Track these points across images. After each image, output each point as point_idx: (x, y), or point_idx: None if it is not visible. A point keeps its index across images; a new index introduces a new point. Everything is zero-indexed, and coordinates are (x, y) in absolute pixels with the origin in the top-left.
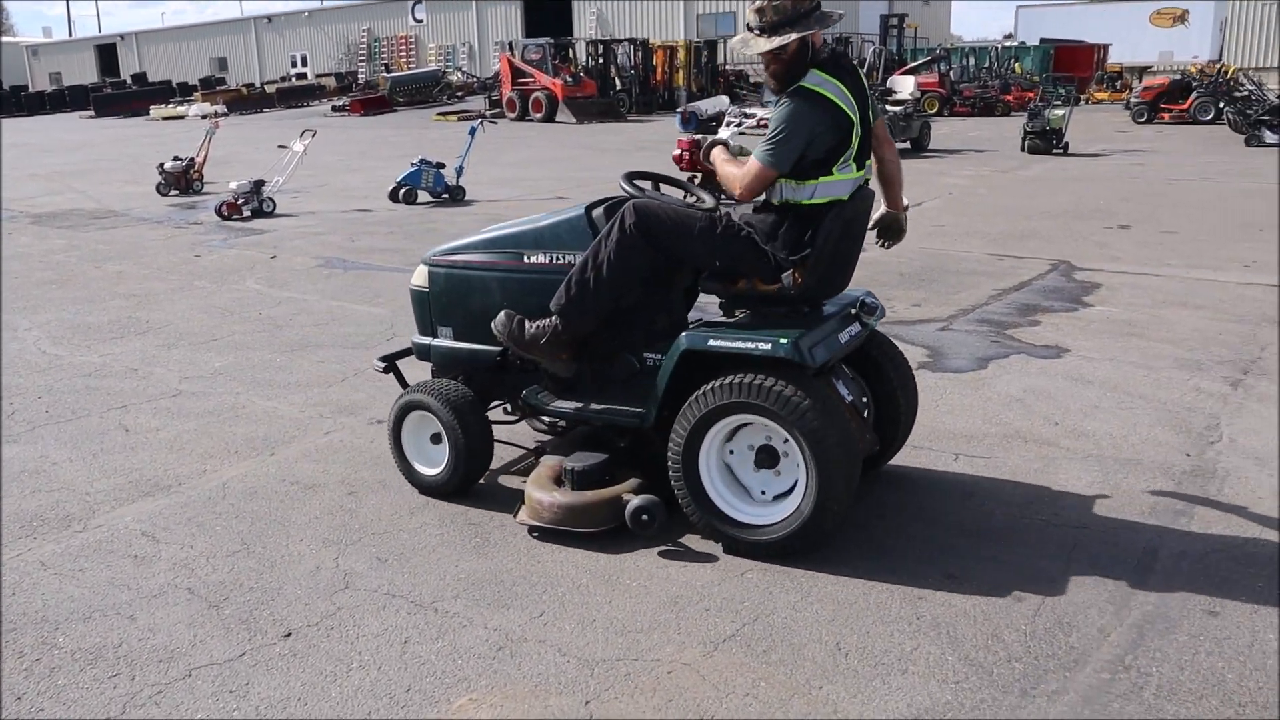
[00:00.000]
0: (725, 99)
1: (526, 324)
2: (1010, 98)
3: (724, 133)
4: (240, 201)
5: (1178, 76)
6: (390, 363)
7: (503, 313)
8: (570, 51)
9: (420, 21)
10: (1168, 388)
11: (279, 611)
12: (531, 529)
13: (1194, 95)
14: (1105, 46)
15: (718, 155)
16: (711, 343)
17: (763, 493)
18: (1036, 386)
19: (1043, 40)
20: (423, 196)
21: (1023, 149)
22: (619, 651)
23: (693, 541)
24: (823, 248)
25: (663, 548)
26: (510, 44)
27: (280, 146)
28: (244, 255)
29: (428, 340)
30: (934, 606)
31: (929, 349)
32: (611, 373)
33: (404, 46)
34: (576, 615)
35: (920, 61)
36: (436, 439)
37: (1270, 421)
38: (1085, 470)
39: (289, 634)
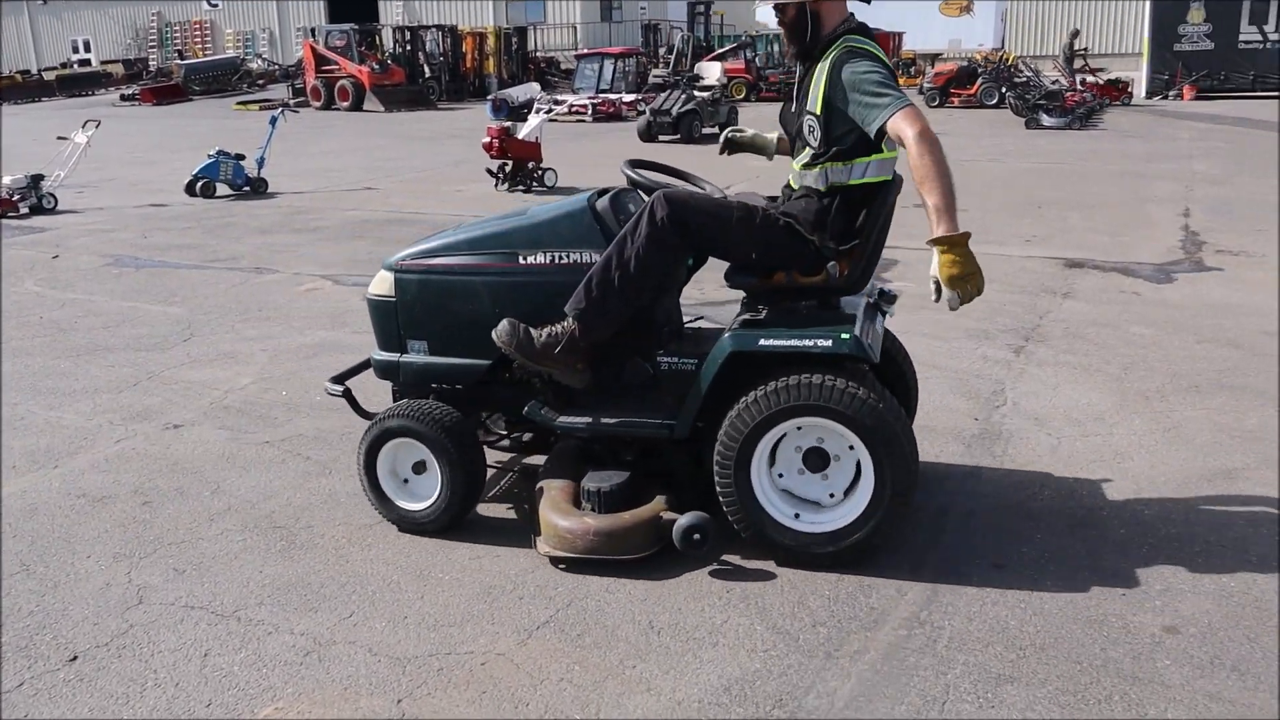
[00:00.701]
0: (536, 85)
1: (534, 332)
2: None
3: (533, 120)
4: (15, 198)
5: (965, 63)
6: (345, 387)
7: (505, 321)
8: (376, 38)
9: (216, 6)
10: (958, 357)
11: (63, 635)
12: (556, 561)
13: (980, 81)
14: (900, 34)
15: (941, 204)
16: (763, 343)
17: (831, 495)
18: None
19: None
20: (222, 189)
21: None
22: (432, 647)
23: (508, 535)
24: (871, 234)
25: (474, 542)
26: (313, 30)
27: (60, 138)
28: (21, 255)
29: (393, 357)
30: (744, 580)
31: None
32: (624, 381)
33: (199, 32)
34: (388, 613)
35: (727, 48)
36: (420, 468)
37: (1046, 384)
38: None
39: (74, 658)
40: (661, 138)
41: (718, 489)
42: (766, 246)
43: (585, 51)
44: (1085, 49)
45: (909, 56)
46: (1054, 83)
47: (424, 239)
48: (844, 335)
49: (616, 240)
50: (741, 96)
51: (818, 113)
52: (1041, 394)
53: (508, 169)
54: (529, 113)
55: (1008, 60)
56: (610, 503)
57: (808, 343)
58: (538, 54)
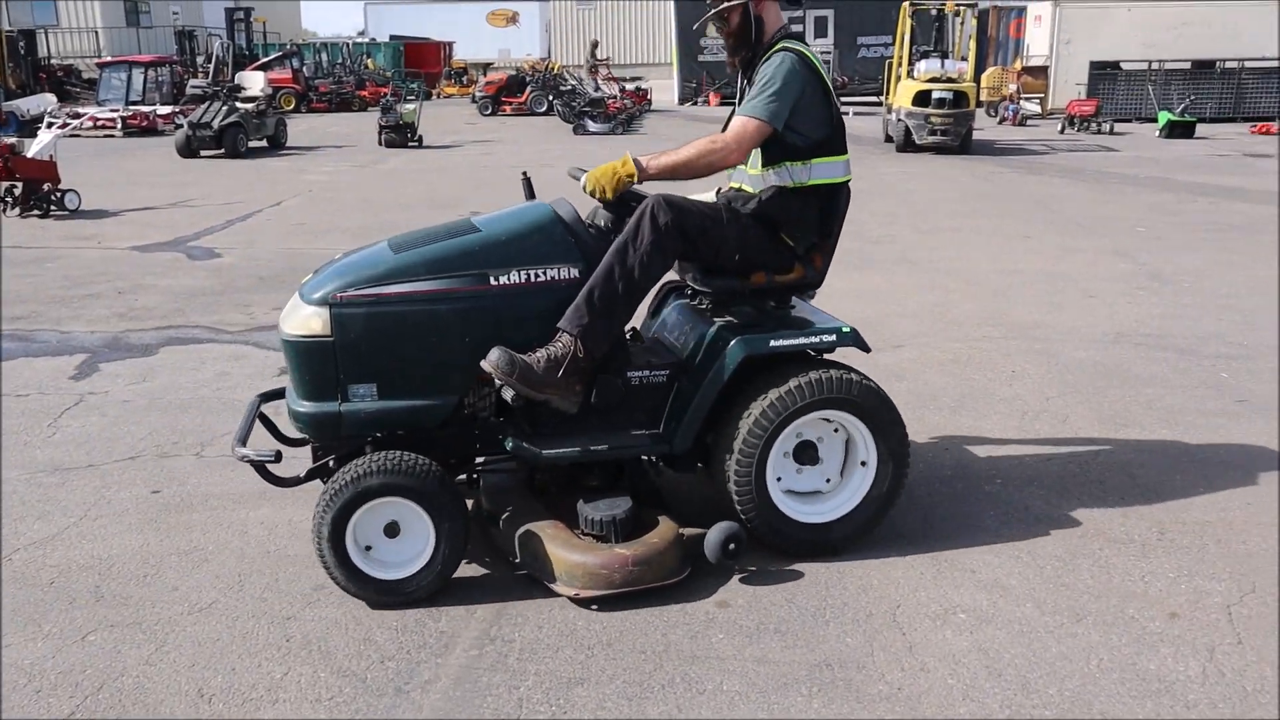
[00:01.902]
0: (51, 97)
1: (530, 358)
2: (366, 93)
3: (44, 135)
4: None
5: (514, 72)
6: (321, 464)
7: (497, 350)
8: None
9: None
10: None
11: None
12: (586, 602)
13: (529, 89)
14: (450, 44)
15: (664, 158)
16: (773, 343)
17: (828, 481)
18: None
19: (392, 37)
20: None
21: (380, 143)
22: None
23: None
24: (838, 230)
25: None
26: None
27: None
28: None
29: (330, 406)
30: (304, 624)
31: None
32: (596, 402)
33: None
34: None
35: (272, 57)
36: (393, 531)
37: None
38: None
39: None
40: (204, 153)
41: (735, 495)
42: (748, 247)
43: (110, 59)
44: (607, 59)
45: (460, 66)
46: (596, 90)
47: (344, 265)
48: (844, 329)
49: (616, 249)
50: (291, 107)
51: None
52: None
53: (17, 192)
54: (40, 126)
55: (553, 69)
56: (627, 530)
57: (814, 339)
58: (52, 61)
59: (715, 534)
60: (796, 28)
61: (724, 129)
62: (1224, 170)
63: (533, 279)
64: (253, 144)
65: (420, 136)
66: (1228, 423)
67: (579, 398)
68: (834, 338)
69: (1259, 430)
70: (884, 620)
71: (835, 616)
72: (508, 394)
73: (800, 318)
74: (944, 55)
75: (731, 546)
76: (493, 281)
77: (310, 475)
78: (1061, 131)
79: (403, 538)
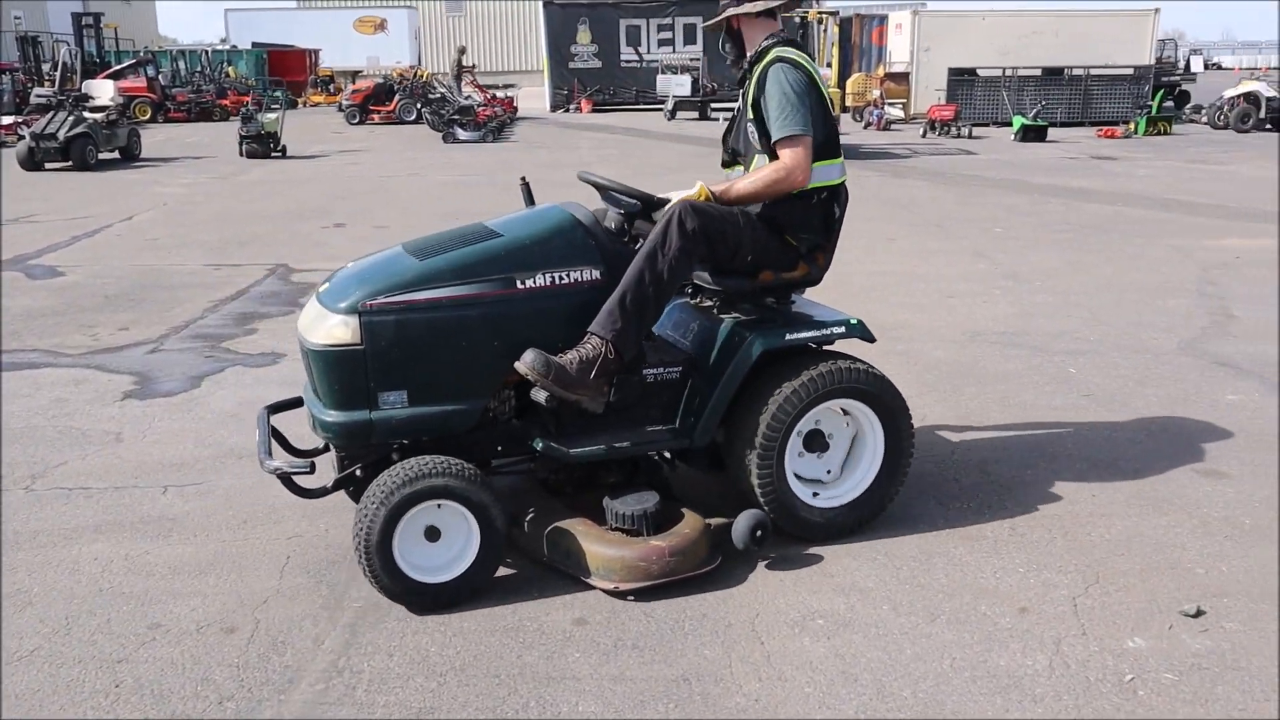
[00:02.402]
0: None
1: (562, 359)
2: (227, 102)
3: None
4: None
5: (381, 80)
6: (348, 473)
7: (531, 352)
8: None
9: None
10: None
11: None
12: (624, 594)
13: (397, 97)
14: (316, 51)
15: (737, 188)
16: (789, 337)
17: (828, 472)
18: (252, 398)
19: (255, 44)
20: None
21: (241, 154)
22: None
23: None
24: (838, 230)
25: None
26: None
27: None
28: None
29: (361, 415)
30: (137, 667)
31: (136, 375)
32: (616, 400)
33: None
34: None
35: (124, 65)
36: (433, 535)
37: None
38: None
39: None
40: (49, 165)
41: (756, 484)
42: (760, 249)
43: None
44: (474, 65)
45: (326, 74)
46: (467, 98)
47: (365, 272)
48: (852, 321)
49: (645, 254)
50: (147, 117)
51: (750, 116)
52: None
53: None
54: None
55: (422, 77)
56: (658, 523)
57: (825, 331)
58: None
59: (743, 522)
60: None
61: (726, 136)
62: (1074, 172)
63: (557, 282)
64: (104, 156)
65: (284, 147)
66: (1075, 416)
67: (606, 398)
68: (843, 329)
69: (1103, 422)
70: (743, 630)
71: (694, 628)
72: (539, 395)
73: (804, 312)
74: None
75: (759, 534)
76: (519, 285)
77: (338, 485)
78: (924, 136)
79: (448, 540)
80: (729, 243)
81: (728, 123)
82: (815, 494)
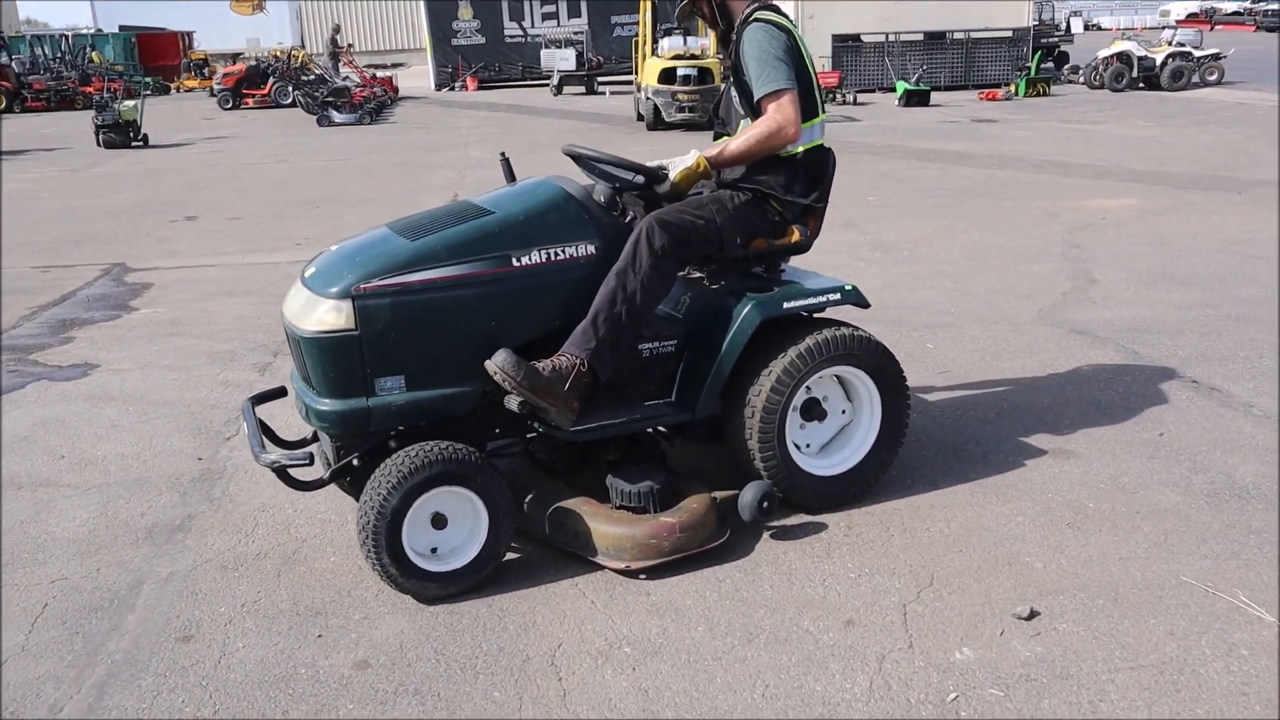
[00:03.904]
0: None
1: (537, 365)
2: (91, 89)
3: None
4: None
5: (254, 63)
6: (345, 463)
7: (503, 352)
8: None
9: None
10: (195, 387)
11: None
12: (635, 573)
13: (271, 80)
14: (190, 34)
15: (730, 149)
16: (786, 305)
17: (828, 441)
18: (52, 416)
19: (122, 27)
20: None
21: (99, 144)
22: None
23: None
24: (826, 194)
25: None
26: None
27: None
28: None
29: (358, 402)
30: None
31: None
32: (615, 375)
33: None
34: None
35: None
36: (440, 522)
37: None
38: (84, 506)
39: None
40: None
41: (757, 455)
42: (746, 224)
43: None
44: (351, 45)
45: (200, 57)
46: (344, 79)
47: (354, 254)
48: (847, 288)
49: (616, 272)
50: (2, 107)
51: (734, 82)
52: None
53: None
54: None
55: (297, 59)
56: (664, 499)
57: (821, 298)
58: None
59: (749, 493)
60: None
61: (715, 109)
62: (954, 136)
63: (553, 258)
64: None
65: (145, 135)
66: (928, 396)
67: (575, 416)
68: (838, 296)
69: (955, 401)
70: (541, 665)
71: (486, 667)
72: (513, 403)
73: (795, 280)
74: (686, 32)
75: (765, 505)
76: (515, 263)
77: (334, 476)
78: None
79: (455, 527)
80: (710, 240)
81: (714, 101)
82: (817, 462)
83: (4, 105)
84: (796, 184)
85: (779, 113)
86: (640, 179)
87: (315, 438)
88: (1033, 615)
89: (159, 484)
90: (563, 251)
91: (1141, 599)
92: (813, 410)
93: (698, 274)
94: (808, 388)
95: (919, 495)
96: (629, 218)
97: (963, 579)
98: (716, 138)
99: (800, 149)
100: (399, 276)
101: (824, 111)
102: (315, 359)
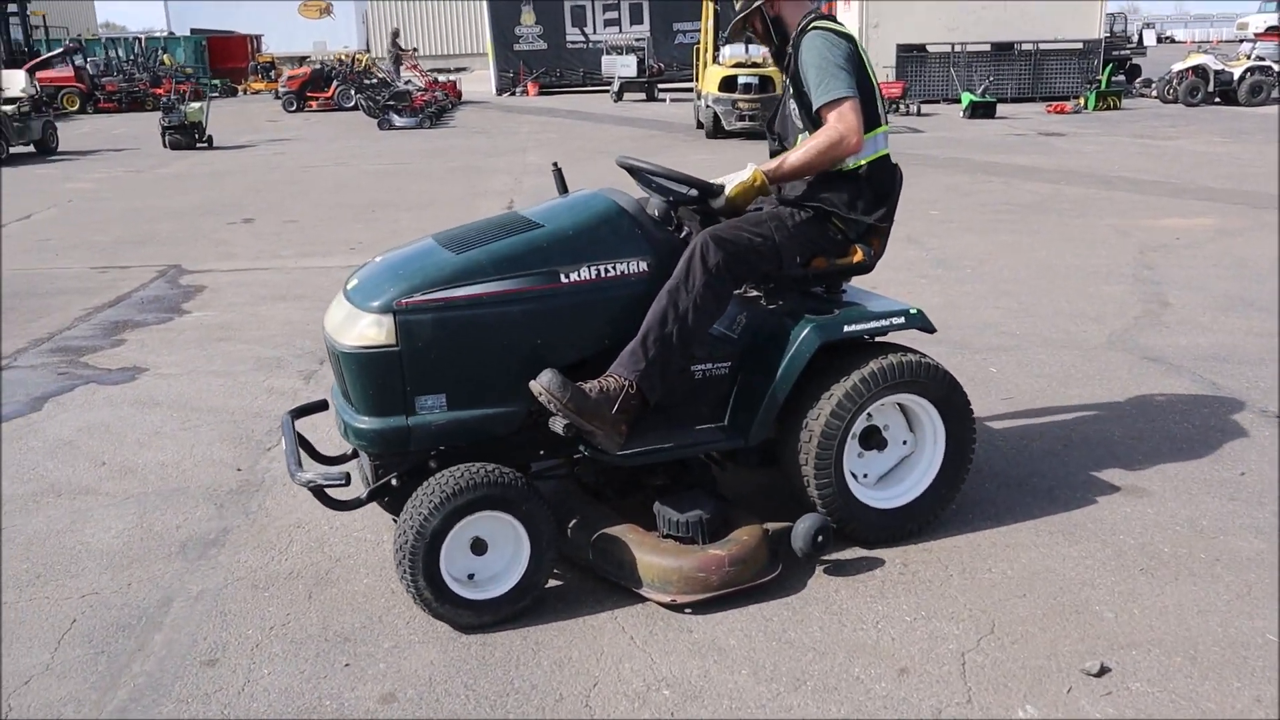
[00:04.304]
0: None
1: (584, 387)
2: (161, 91)
3: None
4: None
5: (318, 66)
6: (383, 483)
7: (549, 373)
8: None
9: None
10: (240, 394)
11: None
12: (680, 606)
13: (335, 83)
14: (258, 37)
15: (789, 163)
16: (846, 329)
17: (887, 471)
18: (97, 421)
19: (193, 30)
20: None
21: (165, 145)
22: None
23: None
24: (892, 211)
25: None
26: None
27: None
28: None
29: (398, 421)
30: None
31: None
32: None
33: None
34: None
35: (51, 54)
36: (480, 548)
37: None
38: (120, 517)
39: None
40: None
41: (813, 482)
42: (806, 242)
43: None
44: (414, 49)
45: (267, 60)
46: (406, 83)
47: (397, 267)
48: (911, 311)
49: (668, 290)
50: (75, 108)
51: (792, 92)
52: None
53: None
54: None
55: (360, 63)
56: (713, 529)
57: (883, 322)
58: None
59: (803, 526)
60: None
61: (771, 124)
62: (1021, 149)
63: (603, 274)
64: (16, 149)
65: (209, 137)
66: (989, 424)
67: (623, 439)
68: (902, 320)
69: (1020, 430)
70: (574, 705)
71: (518, 705)
72: (557, 425)
73: (858, 302)
74: (748, 41)
75: (819, 539)
76: (563, 279)
77: (373, 496)
78: None
79: (496, 552)
80: (768, 259)
81: (771, 112)
82: (875, 493)
83: (77, 106)
84: (860, 201)
85: (840, 121)
86: (694, 193)
87: (355, 454)
88: (1103, 671)
89: (196, 495)
90: (614, 268)
91: (1223, 658)
92: (872, 439)
93: (754, 293)
94: (868, 415)
95: (980, 532)
96: (684, 233)
97: (1026, 627)
98: (773, 155)
99: (864, 162)
100: (443, 291)
101: (886, 122)
102: (354, 375)
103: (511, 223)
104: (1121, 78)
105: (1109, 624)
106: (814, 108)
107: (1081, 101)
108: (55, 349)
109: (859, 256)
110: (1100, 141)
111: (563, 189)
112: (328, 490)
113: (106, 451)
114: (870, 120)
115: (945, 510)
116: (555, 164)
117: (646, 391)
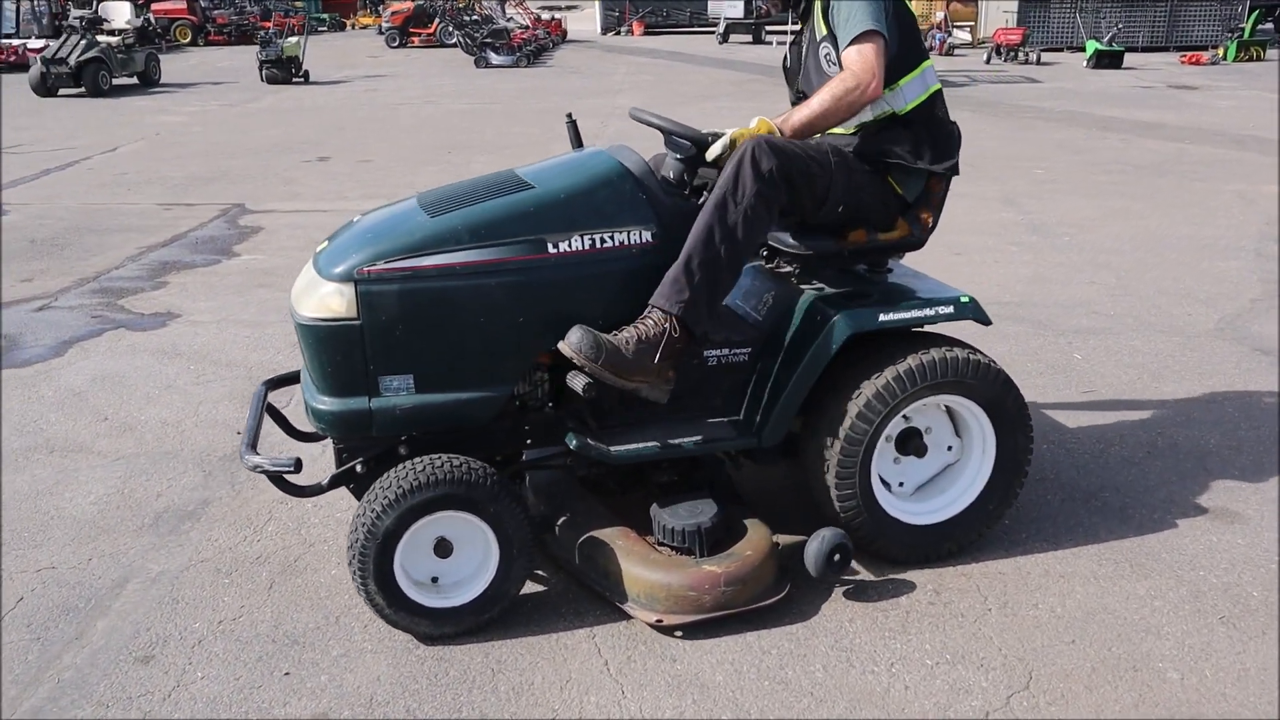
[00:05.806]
0: None
1: (616, 339)
2: (269, 24)
3: None
4: None
5: (421, 3)
6: (347, 468)
7: (579, 330)
8: None
9: None
10: (263, 347)
11: None
12: (669, 629)
13: (437, 20)
14: None
15: (799, 114)
16: (883, 318)
17: (927, 480)
18: (113, 371)
19: None
20: None
21: (262, 79)
22: None
23: None
24: (949, 173)
25: None
26: None
27: None
28: None
29: (359, 402)
30: None
31: (6, 338)
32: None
33: None
34: None
35: None
36: (445, 549)
37: None
38: (104, 480)
39: None
40: (62, 91)
41: (834, 492)
42: (858, 196)
43: None
44: None
45: None
46: (508, 20)
47: (367, 230)
48: (964, 299)
49: (713, 204)
50: (188, 40)
51: (824, 33)
52: None
53: None
54: None
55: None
56: (713, 540)
57: (929, 311)
58: None
59: (817, 543)
60: None
61: (793, 76)
62: (1146, 103)
63: (598, 245)
64: (120, 81)
65: (305, 72)
66: (1061, 421)
67: (671, 386)
68: (951, 310)
69: (1098, 430)
70: None
71: None
72: (576, 382)
73: (903, 285)
74: None
75: (836, 559)
76: (550, 249)
77: (335, 482)
78: (988, 61)
79: (462, 555)
80: (816, 188)
81: (786, 56)
82: (907, 507)
83: (189, 39)
84: (925, 148)
85: (858, 61)
86: (688, 145)
87: (323, 435)
88: None
89: (187, 460)
90: (611, 238)
91: None
92: (910, 443)
93: (786, 268)
94: (905, 417)
95: (1031, 556)
96: (700, 199)
97: (1070, 684)
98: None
99: (916, 103)
100: (410, 260)
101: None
102: (313, 349)
103: (501, 183)
104: (1269, 25)
105: (1172, 687)
106: (840, 46)
107: (1220, 52)
108: (97, 290)
109: (902, 231)
110: (1237, 96)
111: (577, 144)
112: (286, 477)
113: (112, 405)
114: (913, 59)
115: (993, 528)
116: (570, 116)
117: (691, 324)
